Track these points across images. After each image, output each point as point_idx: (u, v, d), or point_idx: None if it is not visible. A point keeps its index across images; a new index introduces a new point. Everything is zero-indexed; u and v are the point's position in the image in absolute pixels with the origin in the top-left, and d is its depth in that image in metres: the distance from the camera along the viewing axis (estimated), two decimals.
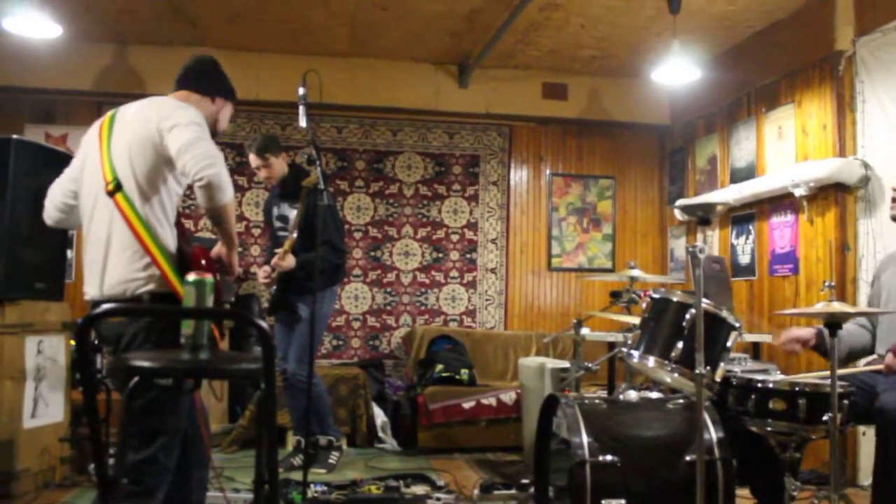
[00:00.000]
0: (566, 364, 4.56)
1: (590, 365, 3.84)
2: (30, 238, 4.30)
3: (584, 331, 4.16)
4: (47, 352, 4.47)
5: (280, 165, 4.79)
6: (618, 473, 2.82)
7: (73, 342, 4.80)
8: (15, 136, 4.38)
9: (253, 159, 4.77)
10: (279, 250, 4.50)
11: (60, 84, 6.38)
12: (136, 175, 2.57)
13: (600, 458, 2.82)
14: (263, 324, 1.84)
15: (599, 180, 7.26)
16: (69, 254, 5.05)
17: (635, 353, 3.02)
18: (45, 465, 4.38)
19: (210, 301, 2.17)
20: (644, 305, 3.13)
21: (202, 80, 2.89)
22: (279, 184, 4.85)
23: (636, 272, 3.96)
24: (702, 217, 2.88)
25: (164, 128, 2.53)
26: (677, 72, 5.26)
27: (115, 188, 2.57)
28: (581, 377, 4.07)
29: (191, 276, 2.14)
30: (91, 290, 2.63)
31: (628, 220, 7.31)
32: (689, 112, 6.78)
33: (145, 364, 1.98)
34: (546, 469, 3.36)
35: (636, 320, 3.73)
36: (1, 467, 4.12)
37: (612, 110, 7.06)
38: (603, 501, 2.74)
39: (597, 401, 3.16)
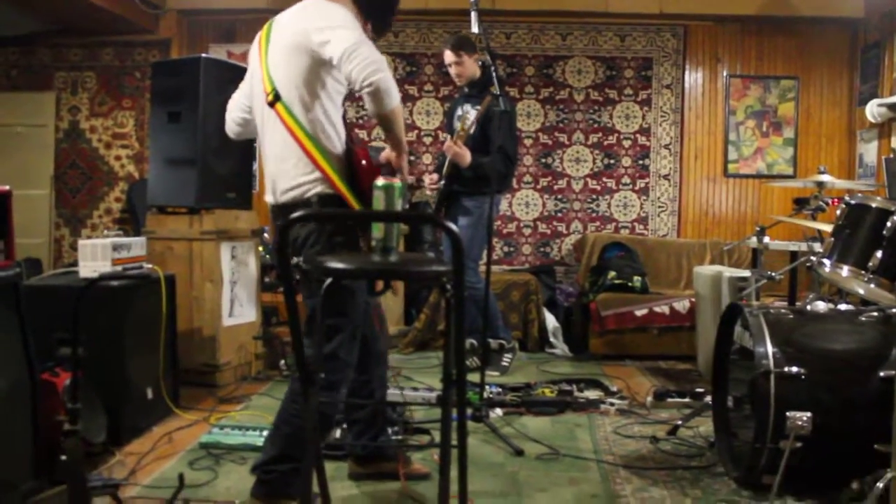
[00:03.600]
0: (745, 273, 4.41)
1: (773, 274, 3.70)
2: (220, 150, 4.56)
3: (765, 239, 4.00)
4: (240, 257, 4.80)
5: (471, 66, 4.84)
6: (804, 386, 2.74)
7: (261, 248, 5.14)
8: (203, 55, 4.64)
9: (447, 55, 4.85)
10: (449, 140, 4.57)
11: (239, 3, 6.64)
12: (294, 83, 2.58)
13: (785, 368, 2.74)
14: (454, 227, 1.86)
15: (781, 81, 6.82)
16: (254, 165, 5.33)
17: (827, 262, 2.87)
18: (242, 360, 4.77)
19: (399, 205, 2.23)
20: (839, 213, 2.96)
21: (373, 3, 2.78)
22: (467, 84, 4.91)
23: (825, 177, 3.74)
24: None
25: (320, 33, 2.50)
26: None
27: (275, 98, 2.60)
28: (761, 287, 3.95)
29: (380, 181, 2.19)
30: (269, 197, 2.77)
31: (812, 123, 6.85)
32: (887, 1, 6.18)
33: (339, 266, 2.02)
34: (724, 379, 3.32)
35: (824, 227, 3.57)
36: (207, 359, 4.54)
37: (797, 4, 6.52)
38: (788, 414, 2.67)
39: (782, 311, 3.06)
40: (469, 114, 4.64)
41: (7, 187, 2.51)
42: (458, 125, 4.75)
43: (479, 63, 4.85)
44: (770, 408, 2.71)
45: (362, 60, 2.41)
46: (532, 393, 4.24)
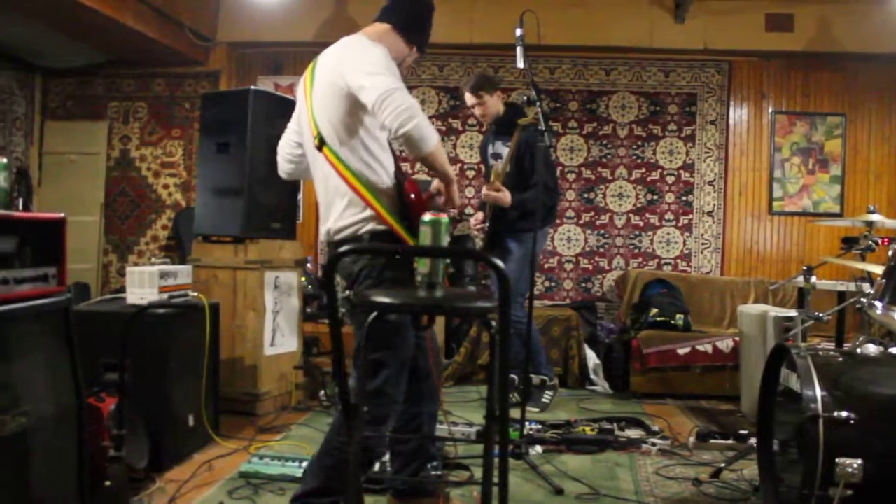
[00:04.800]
0: (791, 313, 4.34)
1: (820, 314, 3.64)
2: (266, 181, 4.63)
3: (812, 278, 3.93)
4: (283, 286, 4.84)
5: (495, 103, 4.83)
6: (854, 431, 2.66)
7: (303, 278, 5.18)
8: (252, 87, 4.73)
9: (468, 98, 4.84)
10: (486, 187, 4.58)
11: (287, 37, 6.76)
12: (336, 125, 2.62)
13: (835, 413, 2.67)
14: (500, 264, 1.87)
15: (828, 118, 6.75)
16: (299, 196, 5.39)
17: (879, 304, 2.81)
18: (282, 390, 4.80)
19: (445, 240, 2.24)
20: (890, 253, 2.90)
21: (411, 23, 2.86)
22: (494, 122, 4.89)
23: (875, 217, 3.68)
24: None
25: (356, 78, 2.53)
26: None
27: (321, 142, 2.66)
28: (808, 328, 3.88)
29: (427, 217, 2.22)
30: (323, 236, 2.81)
31: (860, 160, 6.76)
32: None
33: (385, 300, 2.04)
34: (770, 421, 3.25)
35: (874, 268, 3.51)
36: (248, 388, 4.58)
37: (843, 40, 6.47)
38: (837, 460, 2.60)
39: (831, 353, 3.00)
40: (501, 153, 4.66)
41: (62, 214, 2.57)
42: (492, 162, 4.78)
43: (505, 100, 4.87)
44: (819, 453, 2.63)
45: (395, 109, 2.43)
46: (572, 430, 4.20)
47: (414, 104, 2.47)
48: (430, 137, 2.52)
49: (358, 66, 2.56)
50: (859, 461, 2.59)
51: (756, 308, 4.83)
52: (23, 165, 6.72)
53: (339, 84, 2.59)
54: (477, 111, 4.89)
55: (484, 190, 4.59)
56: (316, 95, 2.70)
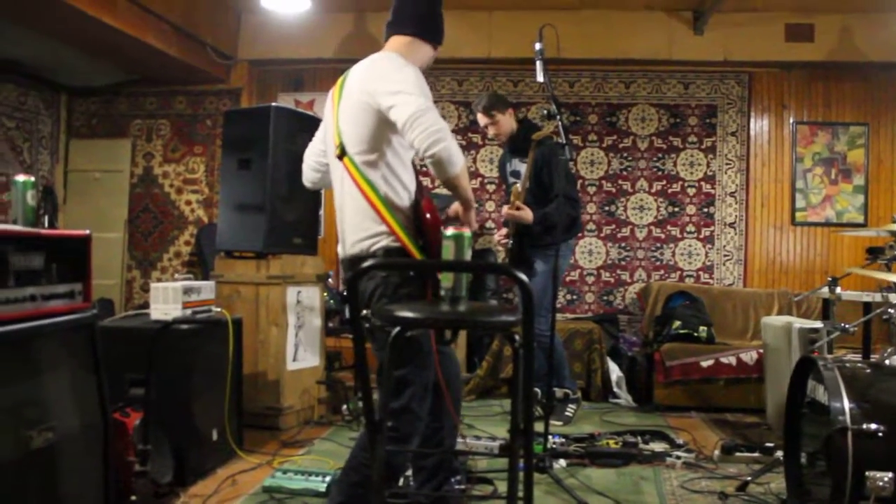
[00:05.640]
0: (816, 324, 4.30)
1: (846, 325, 3.60)
2: (288, 197, 4.66)
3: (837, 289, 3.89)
4: (305, 301, 4.86)
5: (507, 122, 4.82)
6: (883, 444, 2.63)
7: (325, 293, 5.19)
8: (273, 104, 4.76)
9: (480, 118, 4.84)
10: (509, 204, 4.58)
11: (307, 54, 6.84)
12: (360, 139, 2.63)
13: (864, 426, 2.65)
14: (524, 277, 1.86)
15: (850, 127, 6.70)
16: (320, 211, 5.41)
17: None
18: (305, 405, 4.80)
19: (468, 255, 2.24)
20: None
21: (429, 24, 2.85)
22: (509, 140, 4.89)
23: None
24: None
25: (386, 97, 2.53)
26: None
27: (342, 152, 2.67)
28: (834, 339, 3.84)
29: (449, 231, 2.21)
30: (339, 249, 2.81)
31: (884, 170, 6.70)
32: None
33: (409, 315, 2.04)
34: (797, 434, 3.22)
35: None
36: (270, 403, 4.59)
37: (866, 50, 6.44)
38: (867, 473, 2.57)
39: (858, 364, 2.97)
40: (519, 170, 4.67)
41: (87, 231, 2.60)
42: (511, 180, 4.79)
43: (519, 117, 4.88)
44: (848, 466, 2.61)
45: (424, 130, 2.44)
46: (596, 444, 4.17)
47: (444, 126, 2.49)
48: (458, 161, 2.53)
49: (389, 85, 2.56)
50: (890, 474, 2.56)
51: (780, 319, 4.78)
52: (48, 183, 6.81)
53: (367, 100, 2.60)
54: (490, 131, 4.88)
55: (504, 209, 4.58)
56: (343, 108, 2.72)
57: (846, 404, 2.69)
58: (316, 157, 2.98)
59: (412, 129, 2.46)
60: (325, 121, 2.88)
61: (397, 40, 2.82)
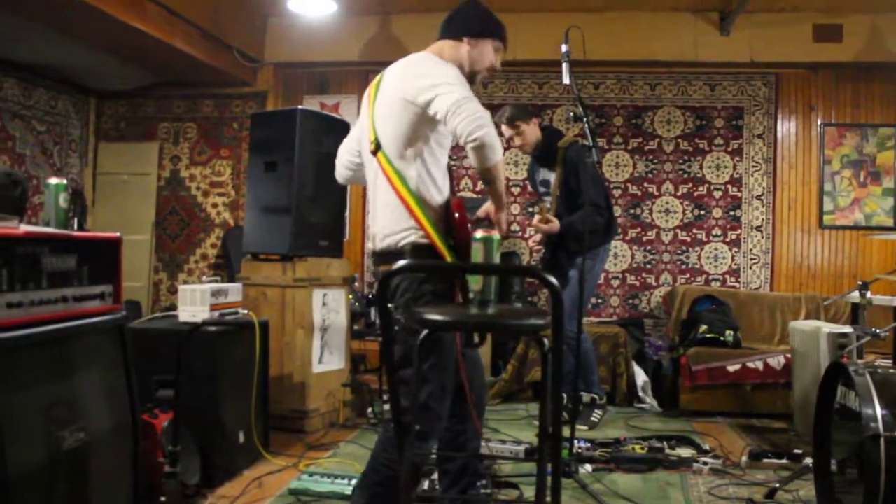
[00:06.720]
0: (845, 329, 4.25)
1: (877, 331, 3.55)
2: (314, 199, 4.67)
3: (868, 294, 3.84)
4: (331, 304, 4.87)
5: (532, 131, 4.80)
6: None
7: (351, 296, 5.21)
8: (300, 107, 4.77)
9: (505, 130, 4.80)
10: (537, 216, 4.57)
11: (332, 56, 6.87)
12: (396, 135, 2.63)
13: None
14: (552, 279, 1.85)
15: (879, 129, 6.62)
16: (346, 213, 5.41)
17: None
18: (330, 407, 4.82)
19: (497, 258, 2.23)
20: None
21: (450, 24, 2.86)
22: (534, 150, 4.88)
23: None
24: None
25: (426, 92, 2.54)
26: None
27: (377, 147, 2.67)
28: (864, 344, 3.80)
29: (479, 233, 2.20)
30: (369, 244, 2.81)
31: None
32: None
33: (439, 318, 2.03)
34: (826, 441, 3.18)
35: None
36: (296, 405, 4.60)
37: (895, 50, 6.37)
38: None
39: (890, 370, 2.93)
40: (549, 178, 4.67)
41: (118, 234, 2.62)
42: (542, 189, 4.78)
43: (542, 125, 4.88)
44: (881, 474, 2.57)
45: (468, 115, 2.44)
46: (622, 449, 4.15)
47: (485, 113, 2.49)
48: (499, 147, 2.53)
49: (428, 80, 2.56)
50: None
51: (809, 324, 4.74)
52: (78, 186, 6.89)
53: (408, 99, 2.60)
54: (516, 142, 4.87)
55: (534, 220, 4.55)
56: (379, 105, 2.73)
57: (878, 410, 2.66)
58: (349, 156, 2.99)
59: (455, 115, 2.45)
60: (360, 119, 2.89)
61: (437, 44, 2.85)
